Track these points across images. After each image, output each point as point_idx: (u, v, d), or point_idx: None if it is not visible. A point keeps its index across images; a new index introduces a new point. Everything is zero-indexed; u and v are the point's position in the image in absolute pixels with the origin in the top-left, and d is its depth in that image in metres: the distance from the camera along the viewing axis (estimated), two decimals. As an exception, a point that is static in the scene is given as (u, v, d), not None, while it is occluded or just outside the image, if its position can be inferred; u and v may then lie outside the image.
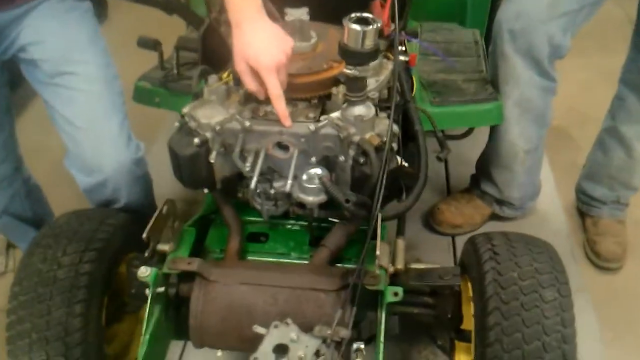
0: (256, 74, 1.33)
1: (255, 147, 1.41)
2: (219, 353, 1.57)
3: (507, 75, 1.94)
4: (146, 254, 1.45)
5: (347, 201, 1.32)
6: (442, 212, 2.31)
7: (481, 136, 2.27)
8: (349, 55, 1.29)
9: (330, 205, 1.42)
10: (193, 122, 1.40)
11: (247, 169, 1.39)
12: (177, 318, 1.52)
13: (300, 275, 1.43)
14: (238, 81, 1.45)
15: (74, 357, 1.42)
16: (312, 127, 1.35)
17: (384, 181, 1.30)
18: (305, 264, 1.52)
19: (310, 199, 1.38)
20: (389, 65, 1.52)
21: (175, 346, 1.61)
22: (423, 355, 1.92)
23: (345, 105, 1.36)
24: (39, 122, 2.27)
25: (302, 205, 1.44)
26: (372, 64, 1.34)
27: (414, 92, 1.65)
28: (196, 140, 1.37)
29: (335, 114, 1.37)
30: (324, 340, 1.27)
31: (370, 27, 1.26)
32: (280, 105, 1.34)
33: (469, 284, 1.51)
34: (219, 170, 1.45)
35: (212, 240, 1.63)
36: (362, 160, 1.35)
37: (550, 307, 1.32)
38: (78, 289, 1.44)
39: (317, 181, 1.36)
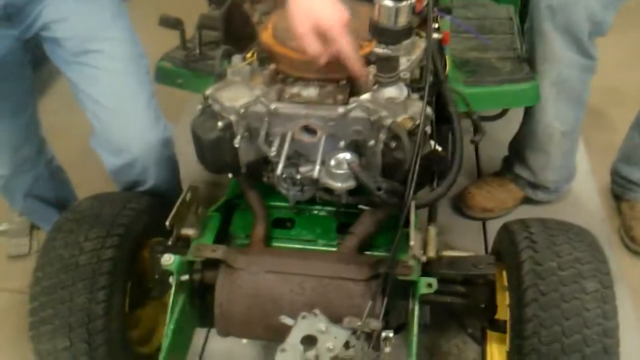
0: (320, 36, 1.26)
1: (281, 131, 1.35)
2: (244, 340, 1.55)
3: (545, 53, 1.87)
4: (169, 242, 1.41)
5: (379, 189, 1.26)
6: (473, 196, 2.25)
7: (514, 117, 2.19)
8: (380, 33, 1.21)
9: (358, 191, 1.36)
10: (216, 104, 1.36)
11: (273, 153, 1.34)
12: (201, 306, 1.49)
13: (329, 263, 1.39)
14: (262, 61, 1.40)
15: (97, 343, 1.41)
16: (341, 110, 1.29)
17: (417, 167, 1.24)
18: (333, 251, 1.48)
19: (338, 185, 1.33)
20: (421, 44, 1.44)
21: (198, 332, 1.59)
22: (453, 344, 1.88)
23: (375, 86, 1.30)
24: (62, 102, 2.25)
25: (329, 190, 1.38)
26: (404, 42, 1.27)
27: (447, 72, 1.58)
28: (220, 123, 1.33)
29: (365, 96, 1.31)
30: (354, 332, 1.23)
31: (404, 2, 1.18)
32: (357, 64, 1.29)
33: (504, 273, 1.46)
34: (244, 155, 1.40)
35: (237, 225, 1.60)
36: (393, 144, 1.29)
37: (591, 298, 1.27)
38: (100, 275, 1.42)
39: (345, 167, 1.31)
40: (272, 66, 1.40)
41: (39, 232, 2.32)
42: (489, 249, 2.09)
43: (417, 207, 1.31)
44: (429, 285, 1.32)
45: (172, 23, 1.89)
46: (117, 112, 1.65)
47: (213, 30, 1.82)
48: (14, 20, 1.56)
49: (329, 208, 1.59)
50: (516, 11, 2.25)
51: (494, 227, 2.13)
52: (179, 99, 2.39)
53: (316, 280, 1.36)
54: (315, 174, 1.31)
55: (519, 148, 2.18)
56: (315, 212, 1.61)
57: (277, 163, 1.34)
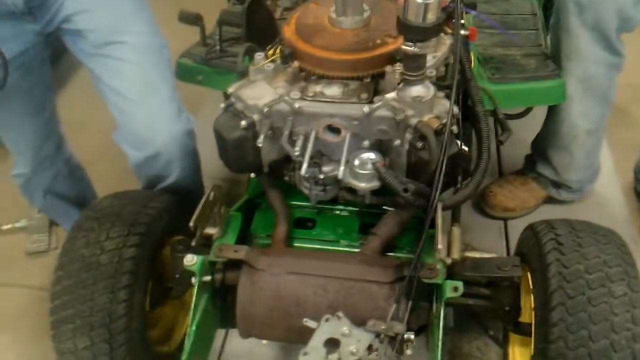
0: None
1: (305, 130, 1.33)
2: (264, 341, 1.54)
3: (571, 50, 1.84)
4: (193, 242, 1.40)
5: (406, 190, 1.23)
6: (495, 195, 2.22)
7: (537, 114, 2.15)
8: (409, 30, 1.18)
9: (382, 191, 1.34)
10: (239, 103, 1.34)
11: (297, 153, 1.31)
12: (223, 306, 1.47)
13: (352, 265, 1.37)
14: (285, 59, 1.38)
15: (118, 343, 1.40)
16: (365, 108, 1.27)
17: (444, 168, 1.22)
18: (355, 252, 1.46)
19: (362, 185, 1.30)
20: (447, 40, 1.41)
21: (217, 332, 1.58)
22: (474, 346, 1.85)
23: (401, 85, 1.27)
24: (81, 97, 2.23)
25: (352, 190, 1.36)
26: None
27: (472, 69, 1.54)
28: (243, 122, 1.31)
29: (390, 95, 1.28)
30: (377, 335, 1.22)
31: (433, -1, 1.15)
32: None
33: (529, 275, 1.43)
34: (266, 154, 1.38)
35: (258, 225, 1.58)
36: (419, 144, 1.26)
37: (619, 302, 1.25)
38: (122, 274, 1.41)
39: (370, 167, 1.29)
40: (295, 63, 1.38)
41: (58, 229, 2.32)
42: (511, 249, 2.07)
43: (444, 209, 1.29)
44: (455, 288, 1.30)
45: (192, 19, 1.87)
46: (141, 104, 1.63)
47: (234, 26, 1.81)
48: (36, 14, 1.55)
49: (351, 208, 1.57)
50: (540, 6, 2.21)
51: (515, 226, 2.11)
52: (197, 94, 2.37)
53: (339, 282, 1.34)
54: (340, 174, 1.28)
55: (542, 146, 2.14)
56: (337, 212, 1.59)
57: (300, 162, 1.32)
